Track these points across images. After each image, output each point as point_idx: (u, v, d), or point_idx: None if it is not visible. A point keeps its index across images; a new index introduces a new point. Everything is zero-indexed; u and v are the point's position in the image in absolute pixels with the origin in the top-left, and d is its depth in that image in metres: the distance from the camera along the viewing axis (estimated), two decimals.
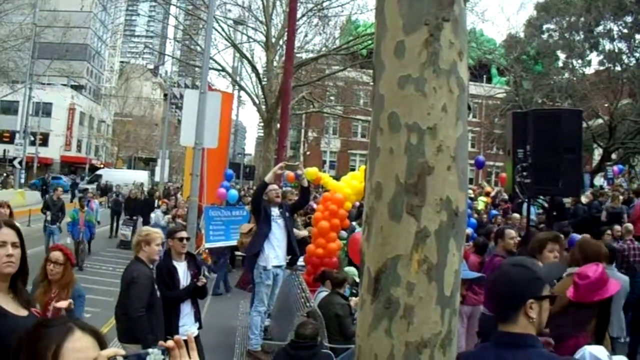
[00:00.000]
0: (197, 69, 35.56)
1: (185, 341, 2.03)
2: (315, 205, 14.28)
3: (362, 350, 2.27)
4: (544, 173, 8.82)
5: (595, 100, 33.85)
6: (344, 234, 11.81)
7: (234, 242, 13.85)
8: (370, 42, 25.01)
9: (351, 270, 9.77)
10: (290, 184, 20.05)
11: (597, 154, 37.04)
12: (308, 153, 60.79)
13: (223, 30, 28.57)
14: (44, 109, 62.90)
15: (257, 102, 30.16)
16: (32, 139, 51.89)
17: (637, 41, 35.70)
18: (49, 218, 16.96)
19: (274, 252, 8.94)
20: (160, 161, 41.75)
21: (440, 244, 2.15)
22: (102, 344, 2.01)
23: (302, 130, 60.31)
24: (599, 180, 27.92)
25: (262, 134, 38.90)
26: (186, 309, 6.84)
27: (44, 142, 66.69)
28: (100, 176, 54.20)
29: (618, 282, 4.83)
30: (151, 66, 79.17)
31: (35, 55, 41.58)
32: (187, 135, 11.40)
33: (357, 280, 7.40)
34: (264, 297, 8.90)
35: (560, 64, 39.92)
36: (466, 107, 2.26)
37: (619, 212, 15.29)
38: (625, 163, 33.63)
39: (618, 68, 35.77)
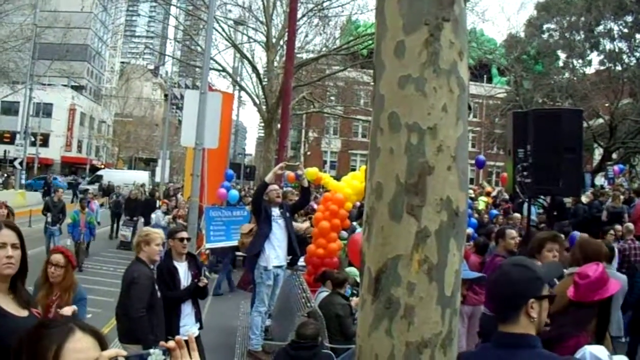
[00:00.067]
0: (197, 69, 35.57)
1: (186, 341, 2.03)
2: (315, 206, 14.28)
3: (362, 350, 2.27)
4: (544, 173, 8.83)
5: (595, 100, 33.86)
6: (344, 234, 11.80)
7: (234, 243, 13.85)
8: (370, 42, 25.02)
9: (352, 270, 9.76)
10: (290, 184, 20.07)
11: (598, 153, 37.08)
12: (308, 153, 60.79)
13: (223, 30, 28.61)
14: (45, 110, 62.94)
15: (258, 102, 30.17)
16: (33, 139, 51.88)
17: (637, 41, 35.74)
18: (49, 220, 16.93)
19: (275, 253, 8.94)
20: (160, 161, 41.71)
21: (441, 244, 2.15)
22: (103, 344, 2.02)
23: (303, 131, 60.33)
24: (599, 180, 27.92)
25: (262, 134, 38.95)
26: (187, 310, 6.84)
27: (45, 142, 66.81)
28: (100, 177, 54.22)
29: (618, 281, 4.83)
30: (152, 67, 79.18)
31: (36, 55, 41.54)
32: (187, 136, 11.40)
33: (358, 280, 7.40)
34: (264, 297, 8.90)
35: (561, 63, 39.96)
36: (466, 107, 2.26)
37: (620, 211, 15.30)
38: (626, 163, 33.62)
39: (618, 68, 35.80)
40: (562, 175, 8.78)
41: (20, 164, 40.06)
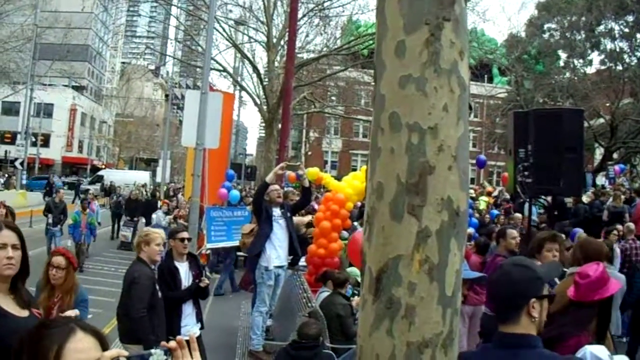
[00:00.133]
0: (198, 69, 35.58)
1: (187, 341, 2.03)
2: (316, 206, 14.27)
3: (363, 350, 2.27)
4: (545, 172, 8.83)
5: (596, 100, 33.87)
6: (345, 234, 11.80)
7: (235, 243, 13.87)
8: (371, 42, 25.04)
9: (353, 270, 9.76)
10: (291, 184, 20.07)
11: (599, 153, 37.07)
12: (309, 153, 60.78)
13: (224, 30, 28.64)
14: (45, 110, 62.97)
15: (259, 102, 30.19)
16: (34, 139, 51.90)
17: (638, 40, 35.72)
18: (50, 221, 16.91)
19: (276, 253, 8.93)
20: (161, 162, 41.74)
21: (442, 244, 2.15)
22: (104, 344, 2.02)
23: (304, 131, 60.31)
24: (600, 180, 27.93)
25: (263, 134, 38.94)
26: (188, 310, 6.84)
27: (46, 143, 66.90)
28: (101, 177, 54.28)
29: (618, 281, 4.83)
30: (152, 67, 79.11)
31: (37, 56, 41.54)
32: (188, 136, 11.40)
33: (359, 280, 7.40)
34: (265, 297, 8.90)
35: (562, 63, 39.95)
36: (467, 106, 2.26)
37: (621, 211, 15.29)
38: (627, 162, 33.60)
39: (619, 67, 35.79)
40: (563, 175, 8.78)
41: (21, 164, 40.07)
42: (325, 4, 27.77)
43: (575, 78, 36.70)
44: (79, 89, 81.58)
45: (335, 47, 29.07)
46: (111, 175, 52.64)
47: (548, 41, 39.16)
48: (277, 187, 9.64)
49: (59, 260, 5.58)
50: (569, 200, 16.03)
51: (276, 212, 9.11)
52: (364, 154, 52.16)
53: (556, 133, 8.75)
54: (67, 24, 47.97)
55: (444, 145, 2.14)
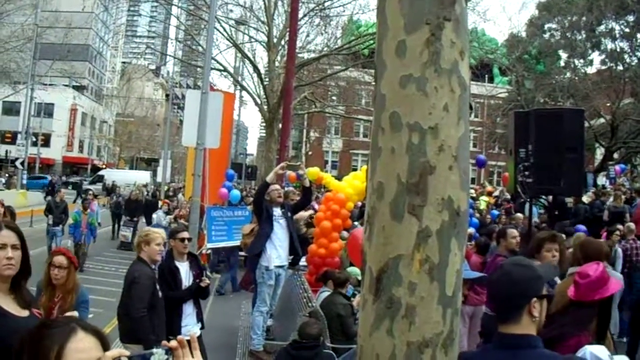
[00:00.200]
0: (198, 69, 35.53)
1: (188, 341, 2.04)
2: (316, 206, 14.26)
3: (364, 350, 2.28)
4: (546, 172, 8.82)
5: (597, 100, 33.87)
6: (345, 234, 11.80)
7: (236, 243, 13.87)
8: (372, 41, 25.04)
9: (354, 270, 9.75)
10: (292, 184, 20.06)
11: (599, 153, 37.06)
12: (310, 153, 60.78)
13: (225, 30, 28.63)
14: (46, 110, 62.98)
15: (259, 102, 30.20)
16: (34, 139, 51.85)
17: (639, 40, 35.70)
18: (50, 222, 16.88)
19: (276, 252, 8.93)
20: (162, 161, 41.73)
21: (442, 244, 2.15)
22: (105, 344, 2.02)
23: (304, 130, 60.30)
24: (601, 180, 27.92)
25: (264, 134, 39.00)
26: (188, 310, 6.83)
27: (46, 142, 66.91)
28: (102, 177, 54.28)
29: (618, 280, 4.83)
30: (153, 66, 79.08)
31: (37, 55, 41.50)
32: (189, 136, 11.40)
33: (360, 279, 7.40)
34: (266, 297, 8.90)
35: (562, 63, 39.94)
36: (468, 106, 2.26)
37: (621, 211, 15.28)
38: (628, 162, 33.60)
39: (620, 67, 35.78)
40: (563, 175, 8.77)
41: (22, 164, 40.07)
42: (326, 4, 27.80)
43: (576, 78, 36.69)
44: (79, 88, 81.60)
45: (336, 46, 29.07)
46: (112, 175, 52.65)
47: (549, 41, 39.15)
48: (277, 187, 9.63)
49: (61, 259, 5.57)
50: (569, 200, 16.03)
51: (277, 211, 9.11)
52: (365, 153, 52.15)
53: (557, 133, 8.74)
54: (67, 23, 47.95)
55: (444, 145, 2.15)
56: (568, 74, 37.92)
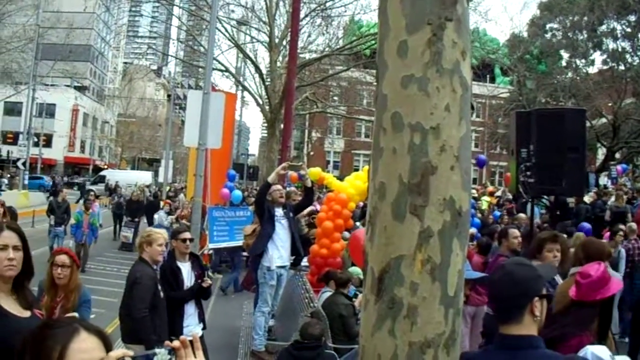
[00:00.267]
0: (200, 69, 35.52)
1: (191, 341, 2.04)
2: (318, 206, 14.25)
3: (365, 350, 2.28)
4: (547, 172, 8.82)
5: (598, 100, 33.85)
6: (347, 235, 11.80)
7: (237, 243, 13.86)
8: (373, 42, 25.03)
9: (355, 270, 9.75)
10: (293, 184, 20.07)
11: (601, 153, 37.04)
12: (312, 153, 60.81)
13: (226, 30, 28.66)
14: (48, 110, 63.00)
15: (261, 102, 30.22)
16: (36, 140, 51.88)
17: None
18: (52, 222, 16.86)
19: (278, 253, 8.93)
20: (164, 162, 41.75)
21: (444, 244, 2.15)
22: (108, 344, 2.02)
23: (306, 131, 60.31)
24: (603, 180, 27.91)
25: (265, 135, 39.03)
26: (190, 310, 6.84)
27: (48, 143, 66.86)
28: (104, 177, 54.33)
29: (619, 280, 4.84)
30: (154, 67, 79.12)
31: (39, 56, 41.54)
32: (190, 136, 11.39)
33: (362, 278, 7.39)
34: (267, 297, 8.90)
35: (564, 63, 39.93)
36: (469, 106, 2.26)
37: (623, 211, 15.27)
38: (629, 162, 33.59)
39: (622, 67, 35.74)
40: (565, 175, 8.77)
41: (24, 164, 40.11)
42: (328, 4, 27.82)
43: (578, 78, 36.69)
44: (81, 89, 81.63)
45: (338, 47, 29.07)
46: (113, 176, 52.69)
47: (550, 41, 39.13)
48: (279, 187, 9.62)
49: (63, 258, 5.57)
50: (571, 201, 16.02)
51: (278, 212, 9.10)
52: (367, 154, 52.19)
53: (558, 133, 8.74)
54: (69, 24, 48.00)
55: (446, 146, 2.15)
56: (570, 74, 37.92)
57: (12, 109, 65.48)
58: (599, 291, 4.20)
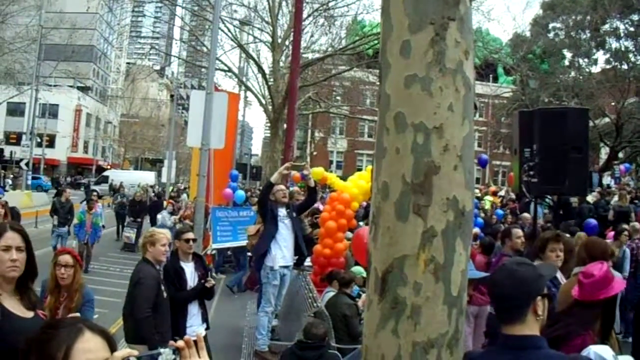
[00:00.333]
0: (203, 69, 35.52)
1: (195, 341, 2.04)
2: (321, 206, 14.25)
3: (369, 350, 2.28)
4: (550, 172, 8.80)
5: (601, 99, 33.81)
6: (350, 234, 11.79)
7: (241, 243, 13.87)
8: (376, 41, 25.00)
9: (358, 270, 9.75)
10: (296, 184, 20.07)
11: (604, 152, 36.99)
12: (315, 153, 60.72)
13: (229, 30, 28.62)
14: (51, 111, 63.07)
15: (264, 102, 30.20)
16: (39, 140, 51.93)
17: None
18: (55, 222, 16.84)
19: (281, 253, 8.92)
20: (167, 162, 41.75)
21: (447, 244, 2.15)
22: (112, 344, 2.02)
23: (309, 131, 60.24)
24: (606, 179, 27.88)
25: (268, 135, 39.02)
26: (193, 310, 6.85)
27: (51, 143, 66.91)
28: (107, 177, 54.37)
29: (623, 280, 4.83)
30: (157, 67, 79.23)
31: (42, 56, 41.58)
32: (193, 136, 11.38)
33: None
34: (271, 297, 8.89)
35: (567, 62, 39.89)
36: (472, 106, 2.26)
37: (626, 211, 15.25)
38: (633, 162, 33.58)
39: (624, 66, 35.72)
40: (568, 175, 8.75)
41: (27, 164, 40.14)
42: (330, 4, 27.76)
43: (581, 77, 36.66)
44: (84, 89, 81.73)
45: (340, 47, 29.02)
46: (116, 176, 52.73)
47: (553, 40, 39.10)
48: (282, 187, 9.61)
49: (66, 258, 5.58)
50: (574, 200, 15.99)
51: (282, 212, 9.09)
52: (370, 153, 52.16)
53: (561, 132, 8.72)
54: (72, 24, 48.06)
55: (449, 145, 2.15)
56: (572, 73, 37.89)
57: (15, 110, 65.47)
58: (602, 291, 4.18)
